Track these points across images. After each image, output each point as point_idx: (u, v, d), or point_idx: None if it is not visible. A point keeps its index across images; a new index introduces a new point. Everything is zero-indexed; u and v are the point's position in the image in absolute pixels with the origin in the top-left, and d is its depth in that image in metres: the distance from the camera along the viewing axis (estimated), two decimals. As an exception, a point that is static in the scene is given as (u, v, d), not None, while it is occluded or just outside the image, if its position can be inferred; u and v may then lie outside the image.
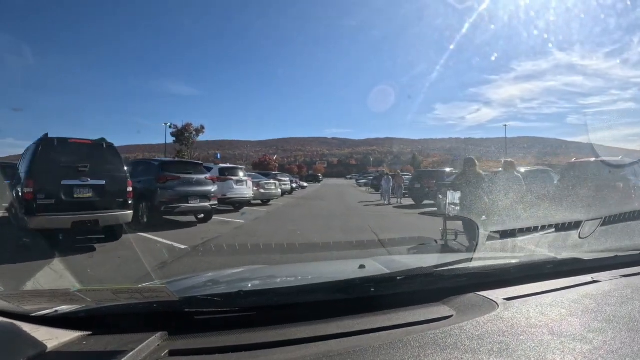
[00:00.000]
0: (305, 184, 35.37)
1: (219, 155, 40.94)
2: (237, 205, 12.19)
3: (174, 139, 41.37)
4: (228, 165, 13.52)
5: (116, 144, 6.48)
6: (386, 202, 16.40)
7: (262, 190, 14.15)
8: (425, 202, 14.93)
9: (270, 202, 15.12)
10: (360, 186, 44.15)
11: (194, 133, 42.37)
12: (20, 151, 7.63)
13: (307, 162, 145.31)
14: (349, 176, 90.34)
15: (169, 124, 41.59)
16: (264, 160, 62.15)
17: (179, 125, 41.61)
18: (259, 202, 14.72)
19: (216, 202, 8.80)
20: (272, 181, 15.14)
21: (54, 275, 4.00)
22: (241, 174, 12.24)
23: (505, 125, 60.97)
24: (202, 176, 8.70)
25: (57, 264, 4.30)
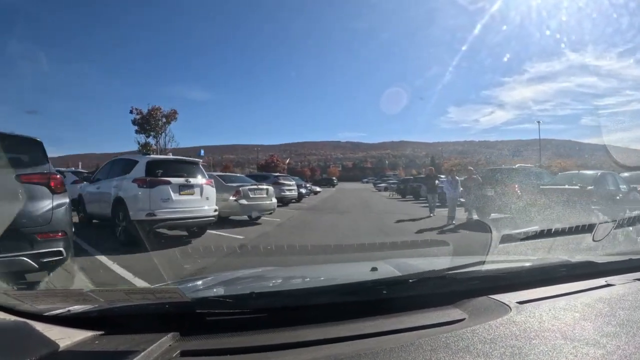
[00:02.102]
0: (318, 189, 29.94)
1: (202, 152, 32.39)
2: (196, 229, 6.79)
3: (136, 127, 30.66)
4: (168, 156, 7.90)
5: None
6: (452, 223, 9.39)
7: (243, 202, 8.74)
8: (494, 215, 9.70)
9: (261, 219, 9.67)
10: (380, 190, 39.27)
11: (163, 119, 30.82)
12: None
13: (320, 165, 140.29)
14: (365, 179, 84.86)
15: (131, 108, 30.90)
16: (271, 162, 55.89)
17: (144, 110, 30.56)
18: (246, 218, 9.33)
19: (60, 245, 3.22)
20: (263, 187, 9.70)
21: (67, 275, 3.71)
22: (198, 175, 6.78)
23: (539, 122, 53.53)
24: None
25: (70, 264, 3.88)
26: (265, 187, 9.56)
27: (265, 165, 50.60)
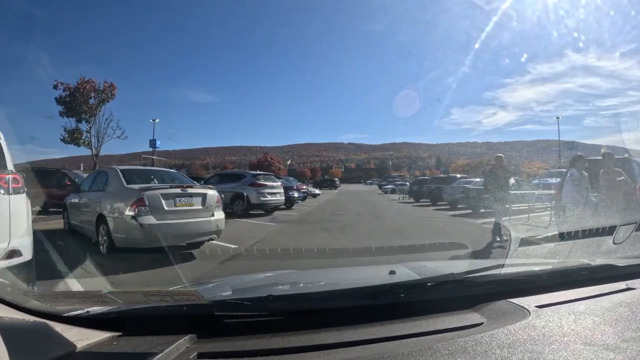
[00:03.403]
0: (317, 191, 25.83)
1: (158, 143, 22.59)
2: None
3: (60, 108, 21.13)
4: None
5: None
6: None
7: (149, 220, 4.39)
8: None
9: (205, 245, 5.44)
10: (386, 193, 35.37)
11: (95, 95, 21.48)
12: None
13: (323, 167, 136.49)
14: (369, 181, 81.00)
15: (55, 82, 21.28)
16: (264, 161, 49.17)
17: (72, 85, 21.06)
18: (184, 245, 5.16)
19: None
20: (196, 192, 5.12)
21: (87, 276, 3.70)
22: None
23: (559, 118, 48.44)
24: None
25: (89, 265, 3.99)
26: (200, 191, 5.16)
27: (258, 165, 44.58)
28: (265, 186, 11.17)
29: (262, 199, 11.01)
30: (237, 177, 11.79)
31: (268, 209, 11.91)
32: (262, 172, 12.78)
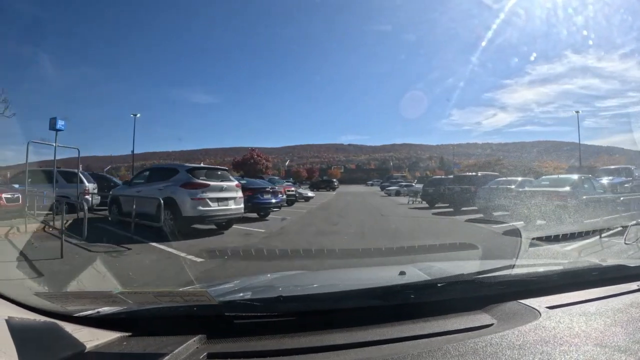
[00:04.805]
0: (310, 194, 21.68)
1: (60, 124, 13.11)
2: None
3: None
4: None
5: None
6: None
7: None
8: None
9: None
10: (390, 195, 31.54)
11: None
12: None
13: (323, 168, 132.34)
14: (370, 182, 76.73)
15: None
16: (249, 159, 41.95)
17: None
18: None
19: None
20: None
21: (97, 276, 3.75)
22: None
23: (578, 112, 44.08)
24: None
25: (100, 265, 4.07)
26: None
27: (242, 163, 38.95)
28: (206, 187, 6.83)
29: (201, 208, 6.69)
30: (167, 173, 7.44)
31: (221, 223, 7.60)
32: (205, 166, 8.18)
